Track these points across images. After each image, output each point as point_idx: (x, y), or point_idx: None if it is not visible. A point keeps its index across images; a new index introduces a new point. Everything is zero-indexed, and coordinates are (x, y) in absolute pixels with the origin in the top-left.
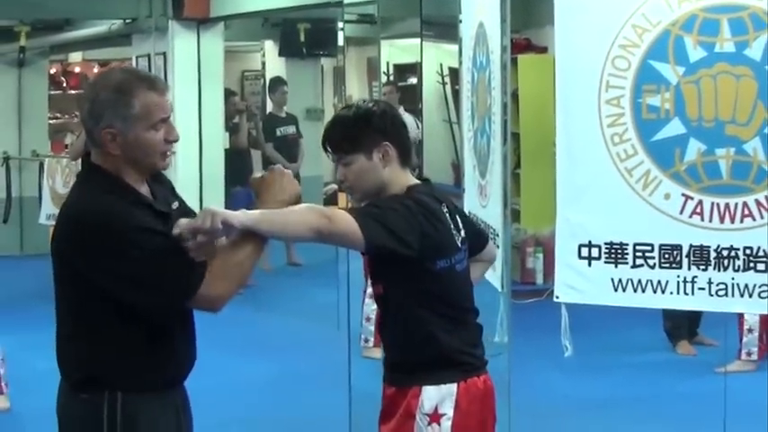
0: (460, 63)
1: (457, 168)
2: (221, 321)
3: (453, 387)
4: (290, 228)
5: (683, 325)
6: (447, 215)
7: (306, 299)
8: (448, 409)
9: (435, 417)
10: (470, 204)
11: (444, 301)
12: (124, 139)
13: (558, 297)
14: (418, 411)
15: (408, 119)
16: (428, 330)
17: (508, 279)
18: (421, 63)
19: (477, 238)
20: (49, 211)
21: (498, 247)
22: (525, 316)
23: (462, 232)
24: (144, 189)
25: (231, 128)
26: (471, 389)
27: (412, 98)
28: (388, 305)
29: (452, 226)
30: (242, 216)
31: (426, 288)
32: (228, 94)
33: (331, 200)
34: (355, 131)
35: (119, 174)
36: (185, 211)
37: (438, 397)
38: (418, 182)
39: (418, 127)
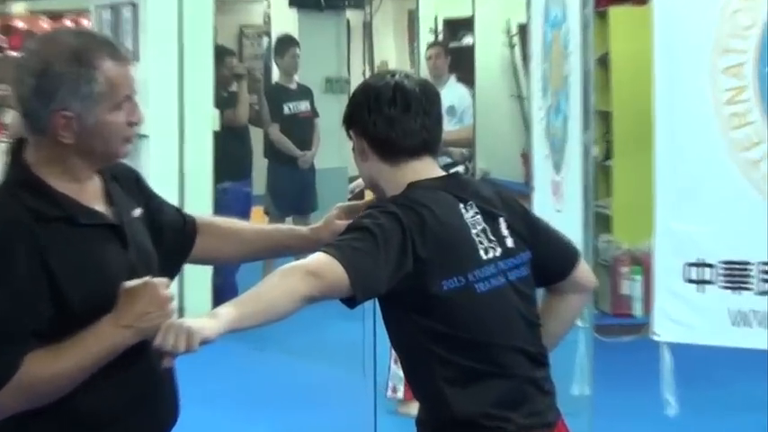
0: (529, 18)
1: (529, 160)
2: (211, 366)
3: None
4: (278, 308)
5: None
6: (477, 216)
7: (322, 334)
8: None
9: None
10: (541, 207)
11: (456, 341)
12: (82, 124)
13: (657, 334)
14: None
15: (462, 91)
16: (434, 385)
17: (591, 310)
18: (473, 17)
19: (558, 257)
20: None
21: None
22: (616, 359)
23: (508, 242)
24: (92, 188)
25: (225, 99)
26: None
27: (468, 64)
28: (393, 346)
29: (481, 231)
30: (219, 325)
31: (427, 323)
32: (222, 53)
33: (357, 200)
34: (345, 114)
35: (64, 165)
36: (153, 214)
37: None
38: (428, 177)
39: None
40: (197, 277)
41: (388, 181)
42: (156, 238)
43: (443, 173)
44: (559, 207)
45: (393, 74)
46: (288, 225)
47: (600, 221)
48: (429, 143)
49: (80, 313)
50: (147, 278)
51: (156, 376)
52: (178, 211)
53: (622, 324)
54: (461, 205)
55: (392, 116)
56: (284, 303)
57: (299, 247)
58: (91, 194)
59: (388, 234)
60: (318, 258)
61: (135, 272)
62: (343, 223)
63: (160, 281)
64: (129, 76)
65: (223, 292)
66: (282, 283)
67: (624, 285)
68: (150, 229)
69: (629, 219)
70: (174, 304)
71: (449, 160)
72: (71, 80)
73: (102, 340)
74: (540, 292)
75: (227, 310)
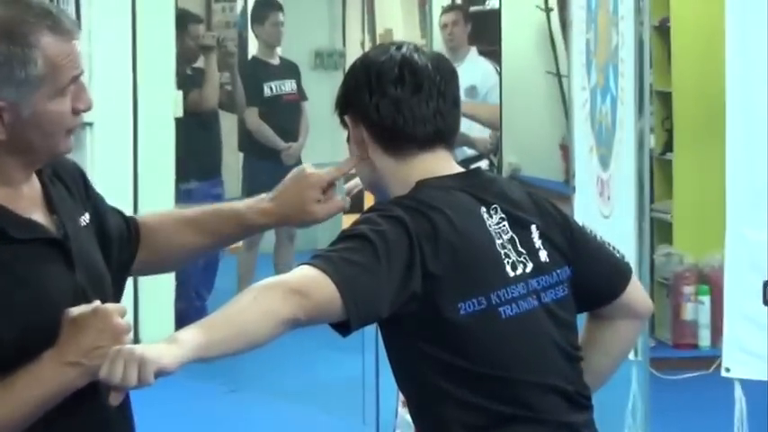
0: None
1: (569, 153)
2: (175, 410)
3: None
4: (253, 334)
5: None
6: (503, 223)
7: (311, 370)
8: None
9: None
10: (584, 212)
11: (475, 378)
12: (17, 115)
13: (728, 369)
14: None
15: (485, 67)
16: None
17: (646, 340)
18: None
19: (605, 274)
20: None
21: None
22: (678, 400)
23: (542, 256)
24: (29, 192)
25: (189, 78)
26: None
27: (493, 33)
28: (398, 384)
29: (508, 241)
30: (180, 353)
31: (439, 355)
32: (186, 20)
33: (355, 202)
34: (338, 96)
35: None
36: (102, 221)
37: None
38: (442, 174)
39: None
40: (156, 301)
41: (391, 179)
42: (103, 253)
43: (461, 169)
44: (607, 212)
45: (399, 46)
46: (242, 202)
47: (658, 230)
48: (443, 132)
49: (15, 351)
50: (96, 303)
51: (106, 415)
52: (119, 213)
53: (686, 357)
54: (483, 209)
55: (398, 98)
56: (261, 327)
57: (262, 224)
58: (28, 201)
59: (392, 244)
60: (303, 273)
61: (84, 297)
62: (319, 174)
63: (114, 307)
64: (74, 54)
65: (188, 319)
66: (259, 302)
67: (688, 309)
68: (99, 241)
69: (693, 226)
70: (131, 336)
71: (470, 153)
72: (2, 63)
73: (43, 382)
74: (582, 318)
75: (191, 335)
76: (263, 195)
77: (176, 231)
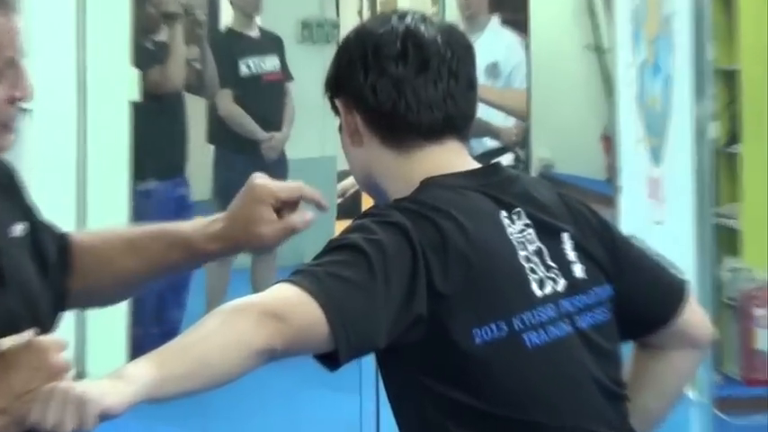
0: None
1: (613, 145)
2: None
3: None
4: (220, 368)
5: None
6: (528, 231)
7: (298, 412)
8: None
9: None
10: (632, 218)
11: (493, 422)
12: None
13: None
14: None
15: (509, 41)
16: None
17: (710, 375)
18: None
19: (655, 293)
20: None
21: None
22: None
23: (576, 270)
24: None
25: (149, 54)
26: None
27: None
28: (400, 428)
29: (534, 252)
30: (130, 390)
31: (450, 393)
32: None
33: (350, 206)
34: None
35: None
36: (38, 235)
37: None
38: (452, 171)
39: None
40: (106, 327)
41: (391, 176)
42: (41, 273)
43: (477, 165)
44: (660, 217)
45: (403, 15)
46: (191, 223)
47: (723, 239)
48: (455, 119)
49: None
50: (29, 335)
51: None
52: (53, 229)
53: (758, 396)
54: (504, 214)
55: (400, 78)
56: (229, 359)
57: (211, 252)
58: None
59: (390, 256)
60: (281, 292)
61: (14, 325)
62: (270, 187)
63: (51, 341)
64: (12, 31)
65: (145, 349)
66: (227, 327)
67: (760, 336)
68: (35, 258)
69: (766, 235)
70: (73, 373)
71: (492, 145)
72: None
73: None
74: (627, 348)
75: (142, 369)
76: (218, 215)
77: (113, 256)
